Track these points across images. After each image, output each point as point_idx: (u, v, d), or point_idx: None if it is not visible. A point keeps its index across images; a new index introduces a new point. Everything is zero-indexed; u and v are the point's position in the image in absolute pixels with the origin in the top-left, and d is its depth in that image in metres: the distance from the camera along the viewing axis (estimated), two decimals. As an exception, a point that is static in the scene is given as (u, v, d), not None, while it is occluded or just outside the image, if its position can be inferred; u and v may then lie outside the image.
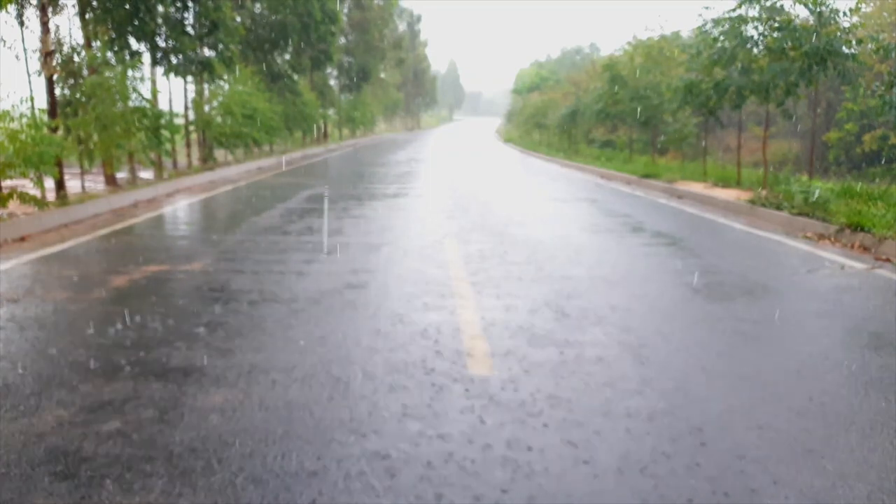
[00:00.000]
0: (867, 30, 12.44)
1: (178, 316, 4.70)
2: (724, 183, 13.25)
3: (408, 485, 2.49)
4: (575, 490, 2.48)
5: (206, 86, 19.15)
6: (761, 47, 11.23)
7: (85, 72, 12.08)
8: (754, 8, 11.04)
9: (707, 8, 12.10)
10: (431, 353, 3.90)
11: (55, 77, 11.13)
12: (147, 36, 14.52)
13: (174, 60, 15.77)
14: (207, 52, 17.55)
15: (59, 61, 11.77)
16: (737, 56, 11.33)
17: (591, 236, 8.40)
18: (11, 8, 10.40)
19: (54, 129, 9.89)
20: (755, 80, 11.04)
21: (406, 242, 7.82)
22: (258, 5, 24.93)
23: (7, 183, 9.31)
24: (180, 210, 10.83)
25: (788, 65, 10.54)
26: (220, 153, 19.52)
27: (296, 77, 28.45)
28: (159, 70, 15.78)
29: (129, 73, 12.09)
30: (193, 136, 18.79)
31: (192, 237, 8.69)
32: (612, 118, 22.18)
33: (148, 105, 12.51)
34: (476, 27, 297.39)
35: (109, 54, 12.34)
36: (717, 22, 11.77)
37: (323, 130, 36.75)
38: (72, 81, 12.01)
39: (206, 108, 18.77)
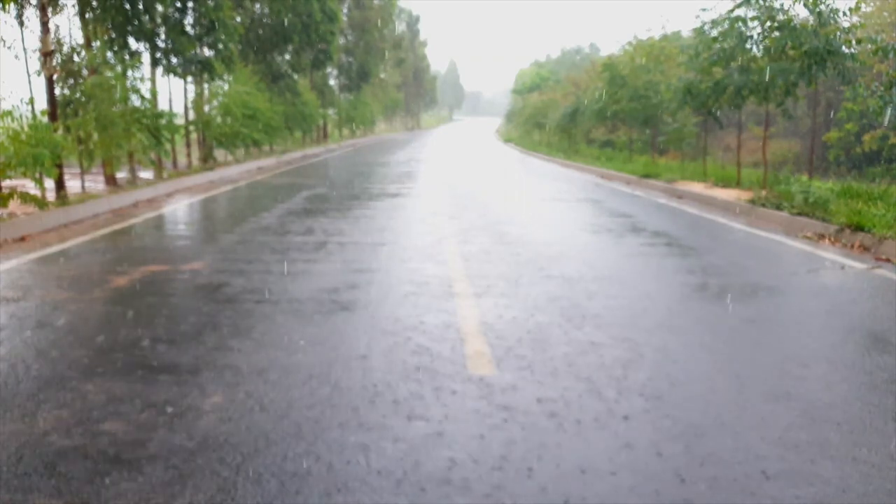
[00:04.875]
0: (867, 30, 12.43)
1: (178, 316, 4.70)
2: (724, 183, 13.25)
3: (408, 487, 2.49)
4: (581, 491, 2.48)
5: (205, 86, 19.16)
6: (760, 47, 11.23)
7: (85, 72, 12.08)
8: (753, 9, 11.04)
9: (704, 10, 12.12)
10: (432, 353, 3.89)
11: (55, 77, 11.13)
12: (146, 36, 14.52)
13: (174, 60, 15.77)
14: (207, 52, 17.55)
15: (59, 61, 11.76)
16: (735, 56, 11.33)
17: (591, 236, 8.40)
18: (11, 8, 10.39)
19: (54, 130, 9.88)
20: (754, 80, 11.04)
21: (406, 242, 7.81)
22: (258, 5, 24.92)
23: (7, 183, 9.31)
24: (180, 210, 10.83)
25: (788, 65, 10.54)
26: (220, 153, 19.52)
27: (296, 77, 28.45)
28: (159, 70, 15.79)
29: (129, 73, 12.11)
30: (193, 136, 18.80)
31: (192, 237, 8.69)
32: (611, 118, 22.17)
33: (148, 105, 12.52)
34: (476, 27, 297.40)
35: (109, 54, 12.35)
36: (715, 23, 11.77)
37: (323, 130, 36.76)
38: (72, 81, 12.00)
39: (206, 108, 18.77)
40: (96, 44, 12.63)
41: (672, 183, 13.99)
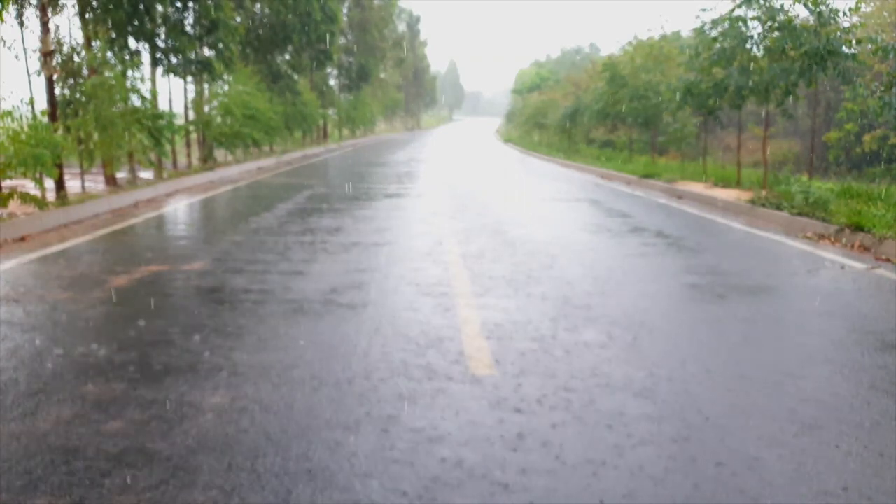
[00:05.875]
0: (867, 30, 12.43)
1: (178, 316, 4.70)
2: (724, 183, 13.25)
3: (408, 487, 2.49)
4: (581, 493, 2.48)
5: (206, 86, 19.16)
6: (761, 47, 11.24)
7: (85, 72, 12.08)
8: (753, 9, 11.04)
9: (704, 10, 12.12)
10: (432, 353, 3.89)
11: (55, 77, 11.13)
12: (146, 36, 14.53)
13: (174, 60, 15.78)
14: (207, 52, 17.56)
15: (59, 61, 11.77)
16: (736, 56, 11.34)
17: (591, 236, 8.40)
18: (11, 8, 10.39)
19: (54, 130, 9.88)
20: (755, 80, 11.04)
21: (406, 242, 7.82)
22: (258, 5, 24.93)
23: (7, 183, 9.31)
24: (180, 210, 10.83)
25: (788, 65, 10.54)
26: (220, 153, 19.52)
27: (296, 77, 28.46)
28: (159, 70, 15.79)
29: (129, 73, 12.12)
30: (193, 136, 18.80)
31: (192, 237, 8.69)
32: (612, 118, 22.18)
33: (148, 105, 12.52)
34: (476, 27, 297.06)
35: (109, 54, 12.35)
36: (715, 23, 11.77)
37: (323, 130, 36.76)
38: (72, 81, 12.00)
39: (206, 108, 18.77)
40: (96, 44, 12.63)
41: (672, 183, 14.00)
